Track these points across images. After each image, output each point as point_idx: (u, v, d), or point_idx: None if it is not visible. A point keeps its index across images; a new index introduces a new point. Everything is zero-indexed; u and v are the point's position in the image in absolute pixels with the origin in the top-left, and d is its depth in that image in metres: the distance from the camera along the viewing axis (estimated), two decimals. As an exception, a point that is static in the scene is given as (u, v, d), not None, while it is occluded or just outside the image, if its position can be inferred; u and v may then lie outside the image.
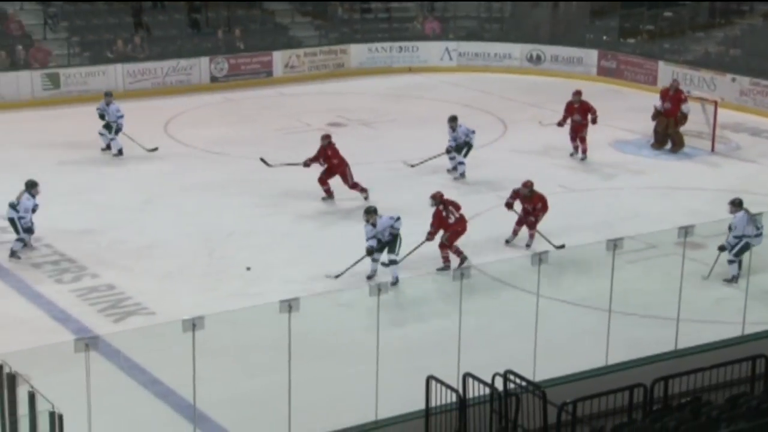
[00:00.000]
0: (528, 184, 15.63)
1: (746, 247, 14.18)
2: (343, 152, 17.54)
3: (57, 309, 13.33)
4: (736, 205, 14.64)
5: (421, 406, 9.75)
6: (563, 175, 19.29)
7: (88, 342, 8.57)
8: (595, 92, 26.03)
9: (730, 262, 14.34)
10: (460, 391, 9.65)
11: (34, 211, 15.00)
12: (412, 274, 14.24)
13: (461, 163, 18.86)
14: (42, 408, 7.70)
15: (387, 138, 21.78)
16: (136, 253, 15.14)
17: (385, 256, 14.24)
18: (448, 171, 19.04)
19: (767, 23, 27.14)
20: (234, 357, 11.67)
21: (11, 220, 14.94)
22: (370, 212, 14.24)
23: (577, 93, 20.31)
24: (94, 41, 25.79)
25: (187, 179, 18.77)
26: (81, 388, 8.46)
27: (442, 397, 9.63)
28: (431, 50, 28.75)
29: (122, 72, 24.99)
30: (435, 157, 18.97)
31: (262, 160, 18.33)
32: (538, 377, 10.07)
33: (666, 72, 26.04)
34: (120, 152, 19.96)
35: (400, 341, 11.76)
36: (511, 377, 9.78)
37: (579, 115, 20.12)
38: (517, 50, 28.59)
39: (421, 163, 19.14)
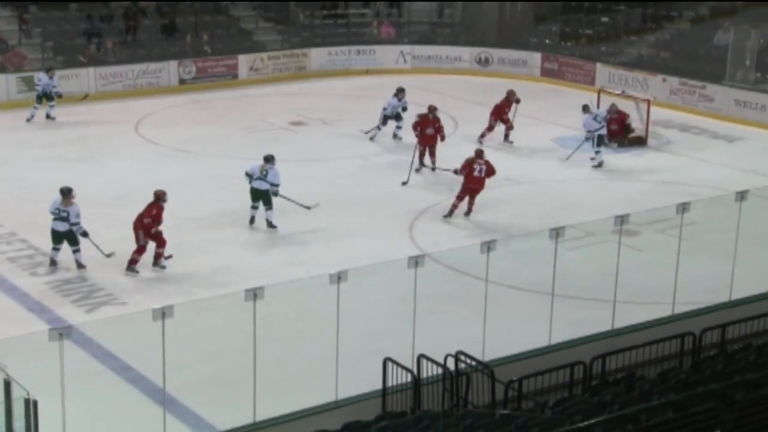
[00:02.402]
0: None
1: (600, 139, 19.49)
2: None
3: (32, 300, 13.12)
4: (584, 109, 19.84)
5: (378, 386, 9.73)
6: (509, 169, 19.32)
7: (62, 332, 8.44)
8: (539, 92, 26.23)
9: (596, 152, 19.46)
10: (415, 371, 9.64)
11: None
12: (370, 262, 14.19)
13: (399, 127, 20.84)
14: (17, 395, 7.55)
15: (346, 136, 21.68)
16: (108, 246, 14.90)
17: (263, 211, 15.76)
18: (396, 137, 20.85)
19: (694, 28, 27.39)
20: (201, 343, 11.56)
21: (67, 234, 13.88)
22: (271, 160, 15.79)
23: (512, 93, 21.39)
24: (67, 46, 25.42)
25: (157, 176, 18.50)
26: (55, 376, 8.32)
27: (398, 378, 9.61)
28: (387, 53, 28.70)
29: (94, 75, 24.65)
30: (381, 126, 20.92)
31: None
32: (487, 357, 10.09)
33: (603, 73, 26.22)
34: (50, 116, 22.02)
35: (359, 325, 11.71)
36: (462, 358, 9.79)
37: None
38: (467, 53, 28.64)
39: (373, 129, 21.08)
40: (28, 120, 21.86)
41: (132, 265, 14.04)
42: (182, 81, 25.98)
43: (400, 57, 28.72)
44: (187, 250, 14.93)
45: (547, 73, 27.61)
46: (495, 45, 28.69)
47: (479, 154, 16.71)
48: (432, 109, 19.10)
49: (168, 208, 16.67)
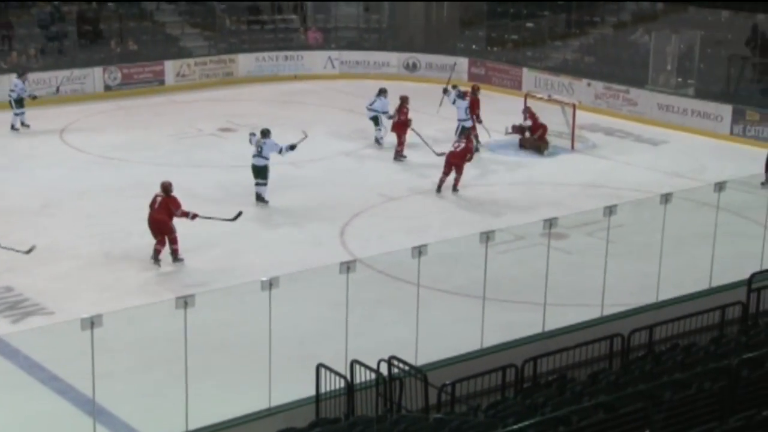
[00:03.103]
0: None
1: (463, 129, 20.06)
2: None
3: (-45, 312, 12.76)
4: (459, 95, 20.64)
5: (312, 392, 9.69)
6: (438, 174, 19.42)
7: (-13, 343, 8.24)
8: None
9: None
10: (348, 377, 9.62)
11: None
12: (301, 268, 14.14)
13: (380, 129, 21.08)
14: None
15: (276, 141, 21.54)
16: (35, 255, 14.56)
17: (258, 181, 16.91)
18: (379, 141, 21.06)
19: (617, 33, 27.94)
20: (132, 352, 11.38)
21: None
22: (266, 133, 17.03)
23: (476, 88, 22.25)
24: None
25: (84, 184, 18.25)
26: (-20, 389, 8.12)
27: (332, 383, 9.58)
28: (315, 59, 28.67)
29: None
30: (383, 127, 21.07)
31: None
32: (420, 361, 10.11)
33: (529, 78, 26.58)
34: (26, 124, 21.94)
35: (291, 332, 11.65)
36: (395, 362, 9.80)
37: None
38: (395, 58, 28.77)
39: (379, 136, 21.13)
40: (15, 128, 21.71)
41: (176, 255, 14.42)
42: (108, 87, 25.58)
43: (328, 62, 28.71)
44: (116, 258, 14.70)
45: (474, 78, 27.80)
46: (422, 50, 28.90)
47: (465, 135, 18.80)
48: (406, 99, 20.60)
49: (96, 216, 16.44)
